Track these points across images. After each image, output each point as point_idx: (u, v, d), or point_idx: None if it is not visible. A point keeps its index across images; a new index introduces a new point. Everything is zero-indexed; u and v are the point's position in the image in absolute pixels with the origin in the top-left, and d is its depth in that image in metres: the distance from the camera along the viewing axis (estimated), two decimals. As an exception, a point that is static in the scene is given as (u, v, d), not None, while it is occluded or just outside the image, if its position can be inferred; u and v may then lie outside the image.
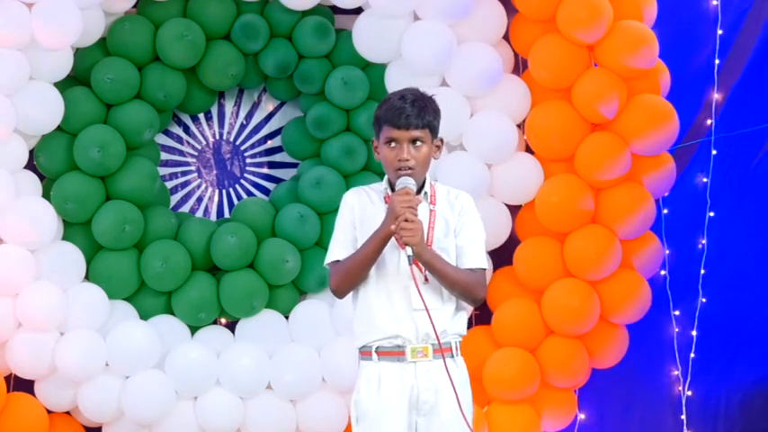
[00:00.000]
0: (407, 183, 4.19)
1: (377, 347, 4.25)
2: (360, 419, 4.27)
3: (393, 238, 4.17)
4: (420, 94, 4.27)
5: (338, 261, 4.30)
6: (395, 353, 4.23)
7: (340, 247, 4.31)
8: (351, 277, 4.27)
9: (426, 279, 4.22)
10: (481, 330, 6.13)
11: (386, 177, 4.31)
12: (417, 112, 4.21)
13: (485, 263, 4.33)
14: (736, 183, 6.44)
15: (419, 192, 4.27)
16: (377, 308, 4.25)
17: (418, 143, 4.22)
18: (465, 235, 4.30)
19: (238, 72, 6.18)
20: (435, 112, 4.27)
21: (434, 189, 4.32)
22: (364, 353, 4.29)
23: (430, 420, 4.23)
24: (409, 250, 4.12)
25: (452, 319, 4.28)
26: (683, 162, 6.37)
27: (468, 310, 4.54)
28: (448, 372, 4.17)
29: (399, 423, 4.21)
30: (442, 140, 4.32)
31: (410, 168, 4.20)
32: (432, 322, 4.15)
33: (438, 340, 4.17)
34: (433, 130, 4.26)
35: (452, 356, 4.26)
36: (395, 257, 4.23)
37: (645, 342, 6.38)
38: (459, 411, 4.19)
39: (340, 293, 4.32)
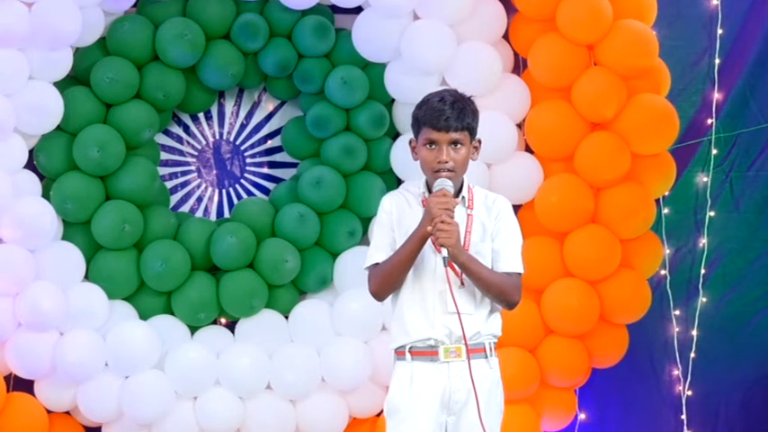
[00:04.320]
0: (445, 184, 4.19)
1: (410, 347, 4.27)
2: (390, 415, 4.30)
3: (430, 242, 4.17)
4: (459, 95, 4.27)
5: (377, 264, 4.30)
6: (428, 353, 4.25)
7: (379, 251, 4.31)
8: (389, 280, 4.26)
9: (462, 283, 4.23)
10: (481, 330, 6.13)
11: (423, 180, 4.31)
12: (457, 114, 4.21)
13: (521, 267, 4.32)
14: (736, 182, 6.43)
15: (457, 195, 4.27)
16: (411, 311, 4.27)
17: (458, 145, 4.23)
18: (501, 239, 4.30)
19: (238, 71, 6.17)
20: (474, 113, 4.28)
21: (472, 193, 4.33)
22: (399, 353, 4.31)
23: (459, 419, 4.25)
24: (445, 252, 4.13)
25: (486, 320, 4.29)
26: (683, 161, 6.36)
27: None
28: (471, 376, 4.17)
29: (428, 420, 4.23)
30: (480, 141, 4.32)
31: (449, 170, 4.21)
32: (462, 328, 4.16)
33: (466, 346, 4.18)
34: (472, 132, 4.27)
35: (486, 357, 4.28)
36: (432, 261, 4.23)
37: (645, 342, 6.38)
38: (488, 411, 4.22)
39: (379, 296, 4.32)
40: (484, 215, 4.31)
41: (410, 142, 4.34)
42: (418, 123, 4.27)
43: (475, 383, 4.18)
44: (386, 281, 4.27)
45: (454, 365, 4.24)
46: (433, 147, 4.23)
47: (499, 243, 4.30)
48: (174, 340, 5.99)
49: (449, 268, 4.15)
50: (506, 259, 4.30)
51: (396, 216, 4.32)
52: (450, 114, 4.20)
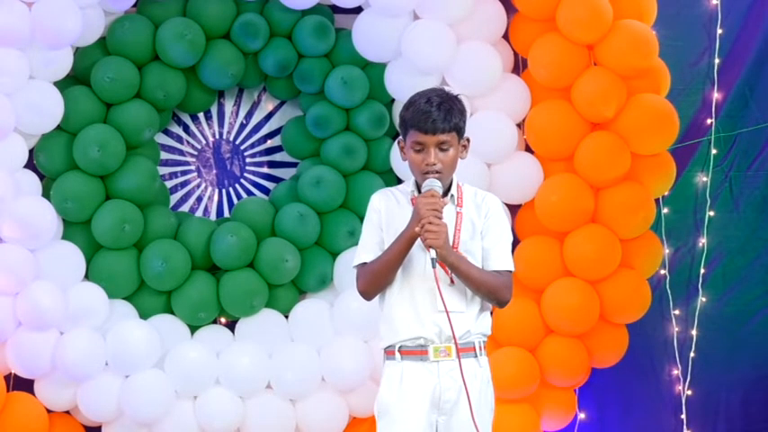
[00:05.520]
0: (433, 185, 4.19)
1: (400, 347, 4.27)
2: (381, 416, 4.30)
3: (420, 239, 4.17)
4: (446, 95, 4.25)
5: (365, 263, 4.30)
6: (418, 352, 4.25)
7: (367, 250, 4.31)
8: (377, 279, 4.27)
9: (452, 281, 4.23)
10: (481, 330, 6.13)
11: (413, 179, 4.32)
12: (444, 115, 4.19)
13: (511, 265, 4.32)
14: (736, 182, 6.43)
15: (446, 194, 4.27)
16: (400, 310, 4.27)
17: (445, 146, 4.22)
18: (491, 237, 4.30)
19: (238, 71, 6.17)
20: (461, 113, 4.26)
21: (462, 191, 4.33)
22: (388, 353, 4.31)
23: (450, 419, 4.25)
24: (433, 253, 4.12)
25: (477, 319, 4.29)
26: (683, 161, 6.37)
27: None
28: (462, 374, 4.17)
29: (418, 420, 4.23)
30: (468, 140, 4.31)
31: (437, 172, 4.21)
32: (451, 326, 4.15)
33: (456, 344, 4.18)
34: (460, 132, 4.25)
35: (476, 356, 4.28)
36: (421, 259, 4.23)
37: (645, 341, 6.38)
38: (479, 410, 4.22)
39: (367, 296, 4.33)
40: (473, 213, 4.31)
41: (398, 143, 4.33)
42: (405, 125, 4.26)
43: (466, 380, 4.17)
44: (374, 280, 4.28)
45: (444, 365, 4.24)
46: (421, 149, 4.23)
47: (489, 241, 4.30)
48: (174, 340, 5.99)
49: (438, 267, 4.15)
50: (497, 257, 4.29)
51: (384, 214, 4.32)
52: (436, 116, 4.19)
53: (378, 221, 4.32)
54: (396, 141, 4.37)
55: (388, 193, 4.38)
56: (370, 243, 4.31)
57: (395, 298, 4.28)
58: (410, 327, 4.25)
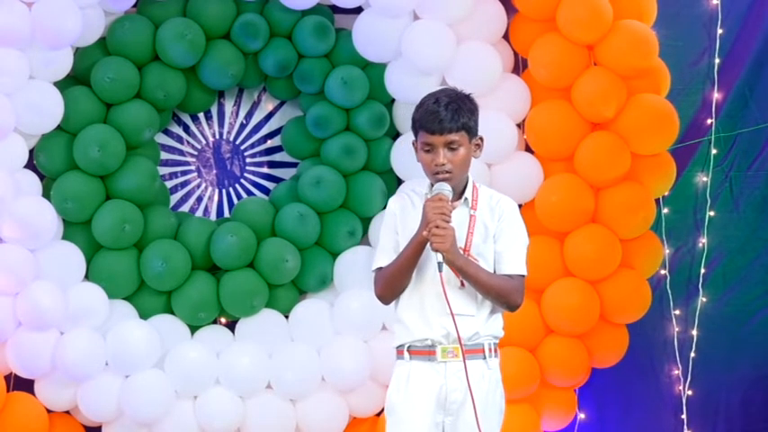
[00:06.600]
0: (442, 188, 4.17)
1: (409, 347, 4.27)
2: (389, 414, 4.31)
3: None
4: (455, 95, 4.24)
5: (381, 268, 4.30)
6: (426, 352, 4.25)
7: (383, 255, 4.31)
8: (392, 283, 4.26)
9: (462, 284, 4.23)
10: (481, 330, 6.12)
11: (428, 180, 4.30)
12: (451, 115, 4.18)
13: (523, 269, 4.29)
14: (736, 182, 6.43)
15: (461, 195, 4.27)
16: (409, 312, 4.27)
17: (454, 146, 4.21)
18: (504, 241, 4.28)
19: (238, 71, 6.17)
20: (471, 111, 4.24)
21: (477, 193, 4.31)
22: (399, 352, 4.31)
23: (456, 420, 4.25)
24: (439, 256, 4.12)
25: (487, 321, 4.27)
26: (683, 161, 6.37)
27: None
28: (467, 377, 4.17)
29: (424, 420, 4.23)
30: (482, 139, 4.30)
31: (448, 172, 4.20)
32: (457, 330, 4.15)
33: (462, 347, 4.18)
34: (470, 131, 4.24)
35: (485, 358, 4.26)
36: (433, 263, 4.21)
37: (645, 341, 6.38)
38: (486, 412, 4.22)
39: (384, 300, 4.32)
40: (487, 216, 4.30)
41: (413, 144, 4.33)
42: (415, 126, 4.26)
43: (472, 384, 4.17)
44: (389, 285, 4.27)
45: (451, 365, 4.23)
46: (430, 149, 4.22)
47: (502, 245, 4.28)
48: (174, 340, 6.00)
49: (450, 270, 4.15)
50: (508, 261, 4.28)
51: (400, 217, 4.32)
52: (444, 116, 4.18)
53: (394, 225, 4.32)
54: (411, 143, 4.35)
55: (404, 196, 4.38)
56: (387, 247, 4.31)
57: (405, 300, 4.28)
58: (418, 329, 4.25)
